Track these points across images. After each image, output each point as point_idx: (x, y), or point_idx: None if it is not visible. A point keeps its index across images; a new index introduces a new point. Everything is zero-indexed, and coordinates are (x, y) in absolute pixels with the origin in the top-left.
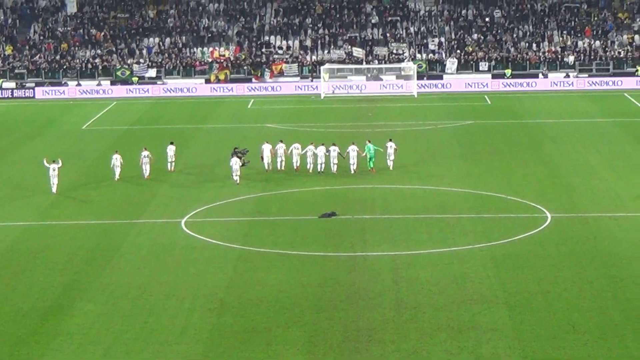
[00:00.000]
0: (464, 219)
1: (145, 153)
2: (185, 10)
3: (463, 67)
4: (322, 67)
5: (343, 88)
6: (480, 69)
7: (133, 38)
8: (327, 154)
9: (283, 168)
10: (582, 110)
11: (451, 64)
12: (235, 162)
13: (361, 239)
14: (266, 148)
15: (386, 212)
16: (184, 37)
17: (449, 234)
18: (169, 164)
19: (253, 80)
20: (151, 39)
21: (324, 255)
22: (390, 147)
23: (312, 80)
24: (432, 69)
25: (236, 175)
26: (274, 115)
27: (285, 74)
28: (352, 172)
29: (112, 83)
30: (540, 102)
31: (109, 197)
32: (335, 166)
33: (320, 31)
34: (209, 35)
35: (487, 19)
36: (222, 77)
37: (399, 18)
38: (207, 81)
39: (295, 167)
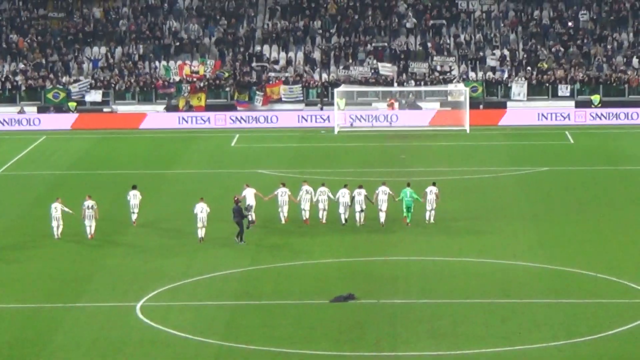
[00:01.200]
0: (535, 306)
1: (88, 203)
2: (143, 9)
3: (535, 91)
4: (336, 90)
5: (365, 119)
6: (560, 94)
7: (70, 47)
8: (350, 198)
9: (285, 220)
10: None
11: (519, 86)
12: (202, 210)
13: (390, 332)
14: (249, 194)
15: (426, 294)
16: (141, 47)
17: (514, 327)
18: (132, 215)
19: (239, 107)
20: (95, 49)
21: (338, 356)
22: (431, 192)
23: (321, 109)
24: (492, 94)
25: (201, 229)
26: (267, 157)
27: (283, 99)
28: (382, 222)
29: (41, 110)
30: None
31: (35, 269)
32: (362, 214)
33: (334, 39)
34: (177, 44)
35: (569, 24)
36: (195, 102)
37: (444, 22)
38: (174, 108)
39: (304, 219)
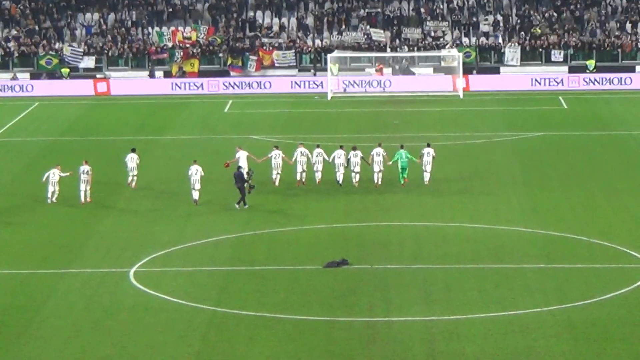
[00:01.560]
0: (528, 271)
1: (84, 168)
2: None
3: (529, 56)
4: (329, 56)
5: (359, 85)
6: (553, 59)
7: (63, 13)
8: (345, 160)
9: (278, 184)
10: None
11: (512, 52)
12: (196, 171)
13: (383, 298)
14: (242, 156)
15: (419, 260)
16: (134, 13)
17: (507, 292)
18: (129, 178)
19: (232, 73)
20: (88, 15)
21: (330, 321)
22: (428, 154)
23: (315, 74)
24: (485, 59)
25: (196, 191)
26: (260, 123)
27: (277, 65)
28: (377, 183)
29: (34, 76)
30: (636, 105)
31: (28, 235)
32: (358, 175)
33: (327, 5)
34: (170, 9)
35: None
36: (188, 68)
37: None
38: (167, 74)
39: (298, 180)
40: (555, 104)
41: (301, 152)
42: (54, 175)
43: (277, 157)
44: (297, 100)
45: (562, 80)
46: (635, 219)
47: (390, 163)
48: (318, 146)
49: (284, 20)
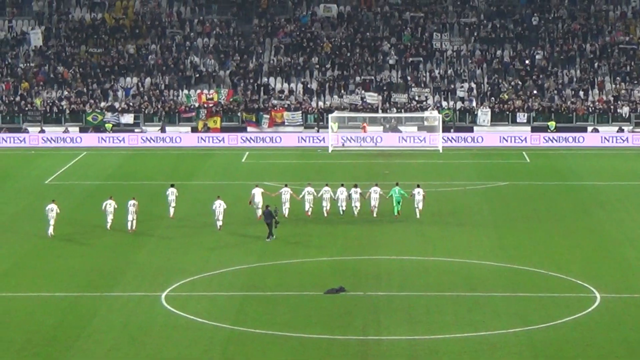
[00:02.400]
0: (496, 299)
1: (131, 202)
2: (169, 45)
3: (497, 118)
4: (330, 116)
5: (355, 140)
6: (518, 120)
7: (107, 77)
8: (347, 195)
9: (287, 215)
10: (638, 171)
11: (483, 114)
12: (219, 205)
13: (374, 319)
14: (257, 193)
15: (404, 288)
16: (167, 77)
17: (478, 316)
18: (170, 209)
19: (248, 128)
20: (128, 79)
21: (330, 339)
22: (418, 193)
23: (318, 131)
24: (461, 120)
25: (219, 221)
26: (272, 171)
27: (286, 123)
28: (374, 214)
29: (82, 130)
30: (588, 160)
31: (75, 264)
32: (357, 209)
33: (329, 73)
34: (197, 75)
35: (526, 62)
36: (211, 124)
37: (421, 59)
38: (194, 130)
39: (306, 211)
40: (520, 158)
41: (308, 191)
42: (110, 205)
43: (286, 193)
44: (303, 153)
45: (525, 138)
46: (587, 255)
47: (388, 197)
48: (327, 185)
49: (293, 85)
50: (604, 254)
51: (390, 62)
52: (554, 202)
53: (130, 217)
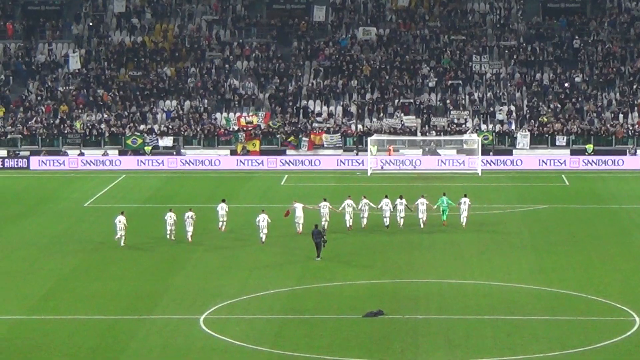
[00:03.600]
0: (535, 322)
1: (188, 214)
2: (208, 68)
3: (537, 141)
4: (369, 139)
5: (394, 163)
6: (557, 143)
7: (146, 100)
8: (392, 206)
9: (326, 228)
10: None
11: (523, 137)
12: (263, 219)
13: (413, 343)
14: (298, 208)
15: (443, 311)
16: (206, 101)
17: (517, 340)
18: (220, 223)
19: (287, 150)
20: (168, 102)
21: None
22: (465, 203)
23: (357, 154)
24: (500, 143)
25: (263, 234)
26: (311, 194)
27: (325, 146)
28: (422, 226)
29: (121, 153)
30: (628, 183)
31: (114, 287)
32: (402, 220)
33: (368, 96)
34: (236, 98)
35: (565, 85)
36: (250, 147)
37: (460, 82)
38: (233, 152)
39: (348, 226)
40: (559, 181)
41: (348, 203)
42: (171, 217)
43: (325, 207)
44: (342, 176)
45: (565, 161)
46: (626, 279)
47: (435, 207)
48: (365, 197)
49: (332, 108)
50: None
51: (430, 85)
52: (593, 225)
53: (189, 229)
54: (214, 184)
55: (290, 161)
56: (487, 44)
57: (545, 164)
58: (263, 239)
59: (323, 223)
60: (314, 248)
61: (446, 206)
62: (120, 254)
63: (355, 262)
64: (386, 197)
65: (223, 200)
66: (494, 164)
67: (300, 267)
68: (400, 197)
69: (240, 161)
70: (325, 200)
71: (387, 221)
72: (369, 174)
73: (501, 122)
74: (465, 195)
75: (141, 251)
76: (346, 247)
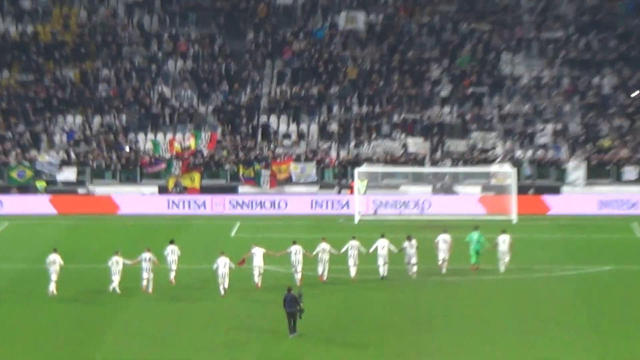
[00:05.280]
0: None
1: (146, 255)
2: (127, 70)
3: (595, 174)
4: (356, 170)
5: (392, 206)
6: (625, 177)
7: (40, 116)
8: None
9: (299, 283)
10: None
11: (575, 168)
12: (224, 264)
13: None
14: (258, 253)
15: None
16: (124, 116)
17: None
18: (171, 273)
19: (240, 189)
20: (70, 118)
21: None
22: (504, 242)
23: (339, 192)
24: (543, 176)
25: (223, 285)
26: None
27: (294, 181)
28: (443, 270)
29: (3, 190)
30: None
31: None
32: (415, 267)
33: (355, 109)
34: (167, 113)
35: (636, 93)
36: (187, 183)
37: (486, 89)
38: (163, 190)
39: (320, 275)
40: (627, 231)
41: (323, 248)
42: (118, 263)
43: (297, 252)
44: (318, 224)
45: (636, 202)
46: None
47: (466, 241)
48: (354, 238)
49: (304, 126)
50: None
51: (442, 94)
52: None
53: (145, 275)
54: (137, 234)
55: (244, 202)
56: (522, 36)
57: (608, 206)
58: (222, 292)
59: (296, 278)
60: (285, 319)
61: (478, 246)
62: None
63: (338, 351)
64: (382, 237)
65: (171, 242)
66: (535, 206)
67: (261, 348)
68: (409, 238)
69: (174, 202)
70: (295, 243)
71: (382, 271)
72: (356, 222)
73: (544, 147)
74: (503, 232)
75: (36, 328)
76: (327, 314)
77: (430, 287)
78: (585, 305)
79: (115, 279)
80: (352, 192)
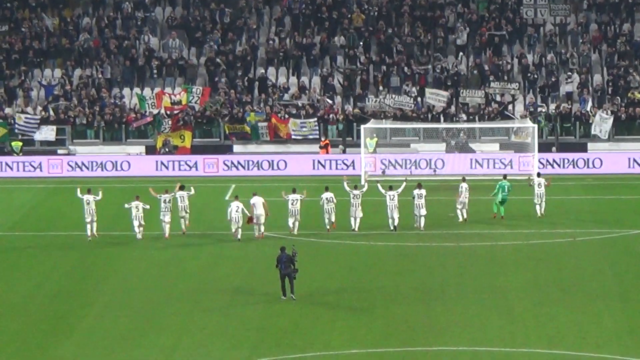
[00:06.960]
0: None
1: (135, 203)
2: (111, 18)
3: (624, 128)
4: (362, 127)
5: (401, 166)
6: None
7: (14, 68)
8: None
9: (296, 231)
10: None
11: (603, 122)
12: (237, 208)
13: None
14: (258, 202)
15: None
16: (109, 68)
17: None
18: (183, 222)
19: (235, 146)
20: (48, 71)
21: None
22: (539, 185)
23: (344, 151)
24: (567, 132)
25: (236, 228)
26: (272, 215)
27: (294, 137)
28: (463, 219)
29: None
30: None
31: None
32: (423, 219)
33: (362, 59)
34: (155, 64)
35: None
36: (177, 142)
37: (505, 34)
38: (151, 150)
39: (328, 226)
40: None
41: (327, 197)
42: (138, 209)
43: (295, 202)
44: (321, 185)
45: None
46: None
47: (492, 195)
48: (356, 187)
49: (304, 79)
50: None
51: (458, 42)
52: None
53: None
54: (120, 199)
55: (239, 163)
56: None
57: (639, 164)
58: (238, 235)
59: (291, 224)
60: (279, 280)
61: (506, 195)
62: None
63: (340, 322)
64: (390, 188)
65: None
66: (559, 165)
67: (255, 330)
68: (419, 186)
69: (162, 163)
70: (294, 191)
71: (393, 222)
72: (362, 182)
73: (569, 100)
74: (539, 175)
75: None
76: (332, 277)
77: (444, 253)
78: (613, 272)
79: (139, 230)
80: (326, 152)
